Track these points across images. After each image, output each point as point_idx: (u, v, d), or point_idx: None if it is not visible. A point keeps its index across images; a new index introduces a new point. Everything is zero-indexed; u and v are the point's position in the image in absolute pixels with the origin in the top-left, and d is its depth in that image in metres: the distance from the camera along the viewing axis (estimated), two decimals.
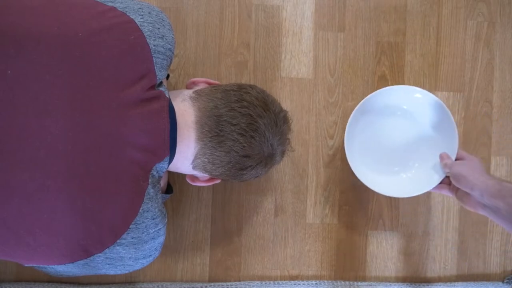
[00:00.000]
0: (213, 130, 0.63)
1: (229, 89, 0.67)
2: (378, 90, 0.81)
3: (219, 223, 0.89)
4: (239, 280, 0.89)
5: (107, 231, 0.58)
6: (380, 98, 0.82)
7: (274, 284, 0.88)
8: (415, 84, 0.91)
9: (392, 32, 0.91)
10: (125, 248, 0.60)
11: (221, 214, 0.89)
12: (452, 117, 0.80)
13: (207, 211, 0.89)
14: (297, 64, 0.90)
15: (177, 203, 0.89)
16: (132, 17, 0.61)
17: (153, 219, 0.62)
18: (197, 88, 0.71)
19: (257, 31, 0.90)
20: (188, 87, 0.74)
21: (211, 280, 0.89)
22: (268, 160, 0.68)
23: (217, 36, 0.89)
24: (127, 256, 0.61)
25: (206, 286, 0.87)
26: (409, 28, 0.92)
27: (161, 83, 0.64)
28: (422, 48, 0.92)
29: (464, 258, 0.92)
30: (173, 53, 0.67)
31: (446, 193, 0.79)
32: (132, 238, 0.60)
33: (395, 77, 0.91)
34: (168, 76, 0.83)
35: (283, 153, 0.72)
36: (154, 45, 0.62)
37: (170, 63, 0.67)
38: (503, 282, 0.92)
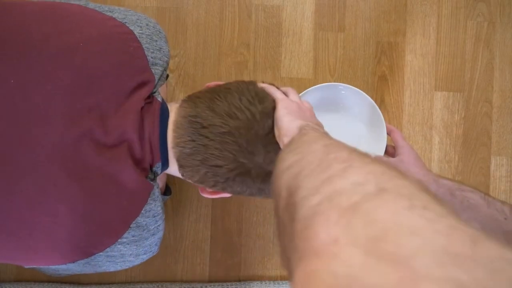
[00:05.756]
0: (187, 136, 0.61)
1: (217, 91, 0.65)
2: (307, 89, 0.78)
3: (219, 223, 0.89)
4: (239, 280, 0.89)
5: (108, 232, 0.58)
6: (312, 96, 0.79)
7: (274, 284, 0.88)
8: (415, 84, 0.91)
9: (392, 32, 0.91)
10: (126, 246, 0.60)
11: (221, 214, 0.89)
12: (377, 108, 0.77)
13: (207, 211, 0.89)
14: (297, 64, 0.90)
15: (177, 203, 0.89)
16: (131, 28, 0.62)
17: (154, 216, 0.62)
18: None
19: (257, 31, 0.90)
20: None
21: (211, 280, 0.89)
22: (246, 173, 0.61)
23: (217, 36, 0.89)
24: (128, 253, 0.61)
25: (206, 286, 0.87)
26: (409, 28, 0.92)
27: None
28: (422, 48, 0.92)
29: None
30: (168, 65, 0.67)
31: None
32: (133, 236, 0.60)
33: (395, 77, 0.91)
34: (167, 76, 0.83)
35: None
36: (152, 57, 0.62)
37: (164, 74, 0.67)
38: None
